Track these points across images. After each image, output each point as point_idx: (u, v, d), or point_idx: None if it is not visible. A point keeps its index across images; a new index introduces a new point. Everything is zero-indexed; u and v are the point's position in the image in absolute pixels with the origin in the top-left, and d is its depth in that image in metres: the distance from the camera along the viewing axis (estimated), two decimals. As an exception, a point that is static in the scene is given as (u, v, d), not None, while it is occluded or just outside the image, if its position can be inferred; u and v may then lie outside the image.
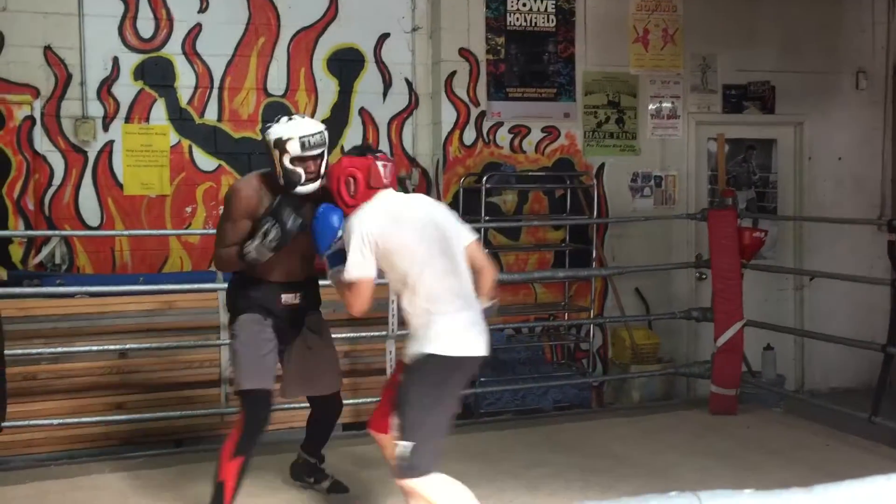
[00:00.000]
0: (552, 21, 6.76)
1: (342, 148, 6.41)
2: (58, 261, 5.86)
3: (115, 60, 5.99)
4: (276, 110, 5.94)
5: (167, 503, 4.21)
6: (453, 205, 6.21)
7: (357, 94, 6.50)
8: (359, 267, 3.23)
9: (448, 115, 6.54)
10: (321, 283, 4.00)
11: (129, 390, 5.25)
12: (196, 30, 6.15)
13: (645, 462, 4.75)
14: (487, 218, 6.38)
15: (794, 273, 7.38)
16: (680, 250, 7.03)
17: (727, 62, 7.25)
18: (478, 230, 4.48)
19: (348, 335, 5.40)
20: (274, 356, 3.87)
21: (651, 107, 7.08)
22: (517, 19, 6.69)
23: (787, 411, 5.90)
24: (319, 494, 4.26)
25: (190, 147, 6.18)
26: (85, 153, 5.98)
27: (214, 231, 3.98)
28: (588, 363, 6.84)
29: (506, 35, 6.66)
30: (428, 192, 6.30)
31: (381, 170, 3.39)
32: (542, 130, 6.77)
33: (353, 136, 6.47)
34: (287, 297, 3.86)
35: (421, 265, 3.22)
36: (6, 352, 4.56)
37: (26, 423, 4.86)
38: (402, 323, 4.00)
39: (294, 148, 3.60)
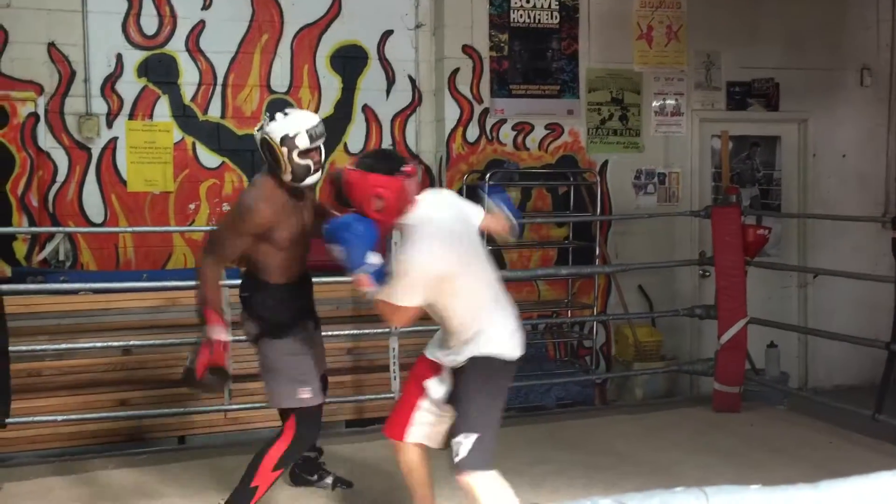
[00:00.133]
0: (556, 18, 6.75)
1: (345, 145, 6.43)
2: (61, 257, 5.87)
3: (119, 57, 6.00)
4: (280, 107, 5.88)
5: (171, 499, 4.21)
6: (456, 202, 6.20)
7: (360, 91, 6.50)
8: (410, 297, 3.09)
9: (451, 112, 6.54)
10: (317, 280, 4.03)
11: (132, 387, 5.26)
12: (199, 27, 6.15)
13: (648, 459, 4.74)
14: (490, 215, 6.36)
15: (798, 270, 7.37)
16: (683, 247, 7.03)
17: (731, 59, 7.24)
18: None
19: (351, 332, 5.40)
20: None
21: (655, 104, 7.07)
22: (520, 16, 6.68)
23: (791, 409, 5.89)
24: (324, 490, 4.25)
25: (193, 144, 6.18)
26: (88, 150, 5.98)
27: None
28: (591, 360, 6.84)
29: (509, 32, 6.65)
30: (431, 190, 6.29)
31: (412, 186, 3.18)
32: (546, 127, 6.76)
33: (356, 132, 6.48)
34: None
35: (464, 275, 3.16)
36: (10, 348, 4.58)
37: (30, 419, 4.88)
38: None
39: (303, 141, 3.58)
